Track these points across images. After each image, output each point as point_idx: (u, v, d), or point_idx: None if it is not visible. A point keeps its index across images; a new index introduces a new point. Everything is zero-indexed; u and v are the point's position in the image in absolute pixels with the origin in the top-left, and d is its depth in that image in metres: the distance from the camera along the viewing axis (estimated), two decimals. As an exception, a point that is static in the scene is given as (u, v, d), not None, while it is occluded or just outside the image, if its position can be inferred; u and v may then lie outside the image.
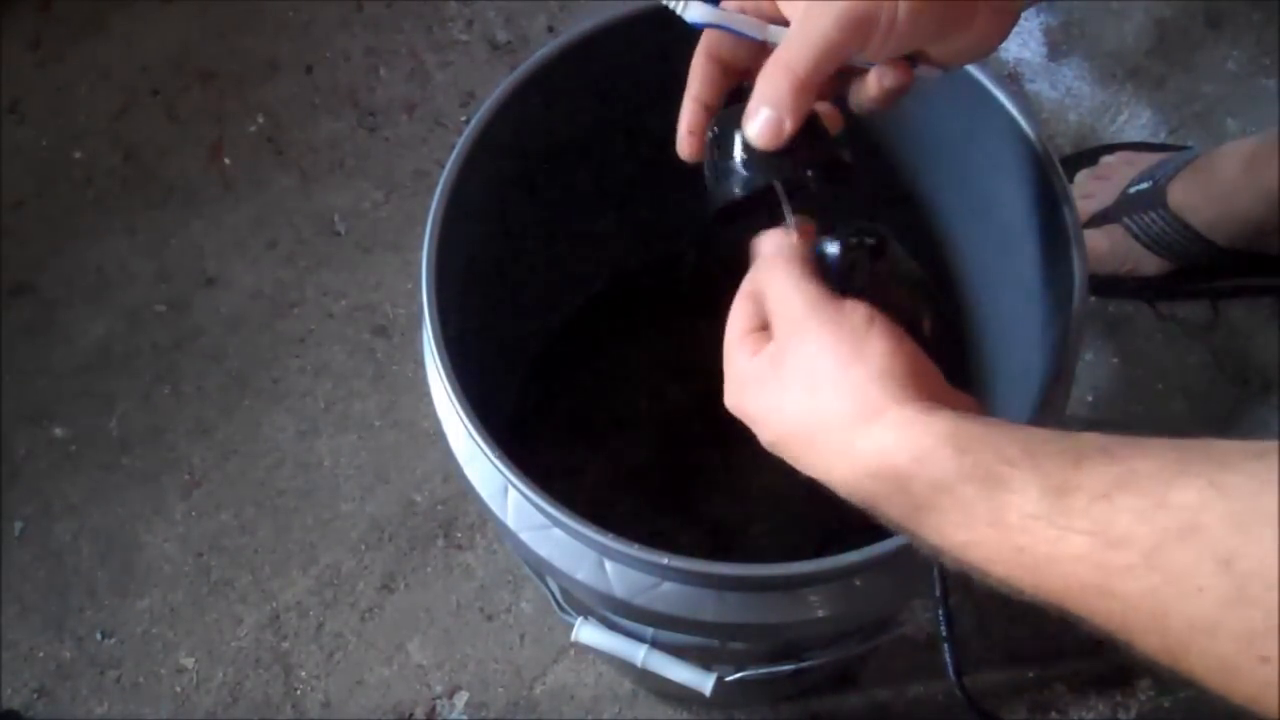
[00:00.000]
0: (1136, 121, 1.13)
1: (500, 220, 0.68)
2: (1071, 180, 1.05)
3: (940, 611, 0.44)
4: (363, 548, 0.99)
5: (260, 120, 1.17)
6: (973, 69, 0.60)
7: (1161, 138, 1.12)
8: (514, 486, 0.52)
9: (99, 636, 0.97)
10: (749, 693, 0.89)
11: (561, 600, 0.67)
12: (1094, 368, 1.02)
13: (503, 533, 0.58)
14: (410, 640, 0.95)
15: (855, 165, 0.48)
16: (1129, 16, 1.18)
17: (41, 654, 0.96)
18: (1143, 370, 1.03)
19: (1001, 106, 0.60)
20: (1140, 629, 0.32)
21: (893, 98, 0.48)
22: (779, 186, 0.46)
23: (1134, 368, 1.03)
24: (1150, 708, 0.90)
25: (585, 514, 0.50)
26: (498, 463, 0.51)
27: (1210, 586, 0.29)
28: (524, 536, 0.56)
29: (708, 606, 0.54)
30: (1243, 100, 1.13)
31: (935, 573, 0.44)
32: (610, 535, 0.50)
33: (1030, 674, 0.92)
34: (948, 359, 0.43)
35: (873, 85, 0.47)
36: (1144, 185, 1.00)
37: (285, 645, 0.96)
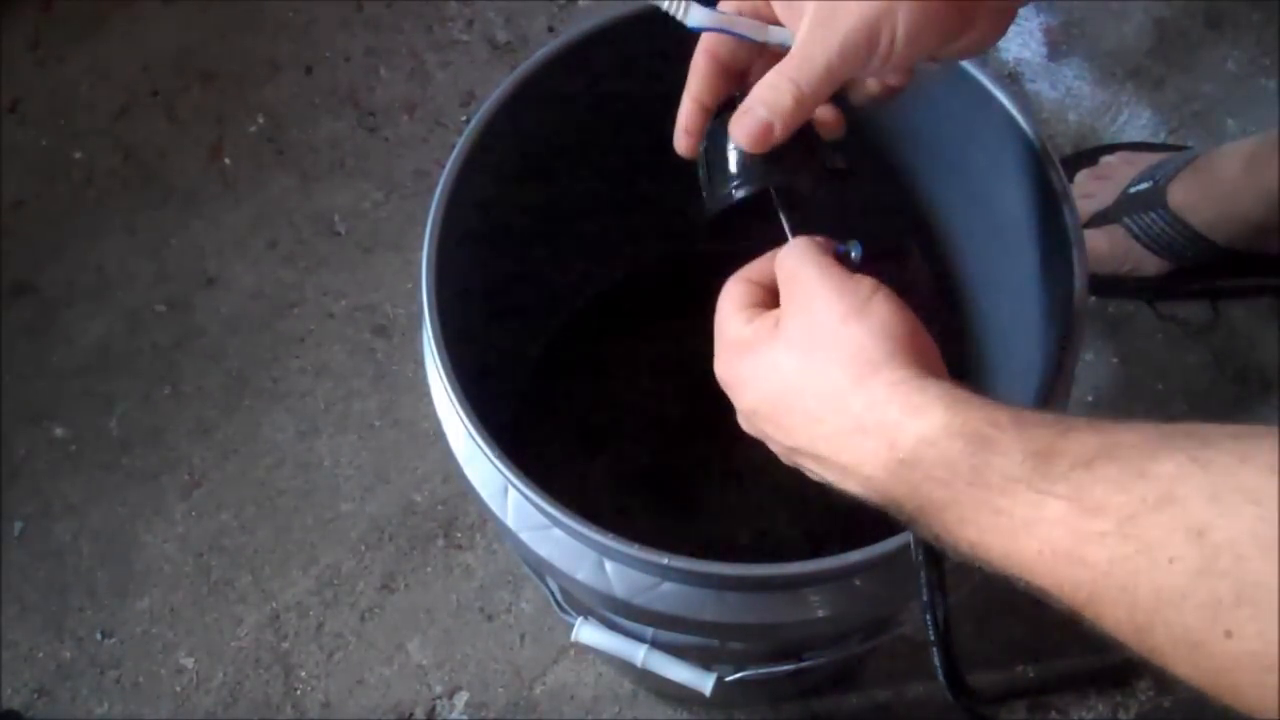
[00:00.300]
0: (1136, 121, 1.13)
1: (500, 220, 0.68)
2: (1071, 180, 1.05)
3: (927, 616, 0.44)
4: (363, 548, 0.99)
5: (260, 120, 1.17)
6: (973, 69, 0.60)
7: (1161, 138, 1.12)
8: (514, 486, 0.52)
9: (99, 636, 0.97)
10: (749, 693, 0.89)
11: (561, 600, 0.67)
12: (1094, 368, 1.02)
13: (503, 533, 0.58)
14: (410, 640, 0.95)
15: (849, 171, 0.49)
16: (1129, 16, 1.18)
17: (41, 654, 0.96)
18: (1143, 370, 1.03)
19: (1001, 106, 0.60)
20: (1109, 600, 0.32)
21: (892, 95, 0.48)
22: (774, 192, 0.47)
23: (1134, 368, 1.03)
24: (1150, 708, 0.90)
25: (585, 514, 0.50)
26: (498, 463, 0.52)
27: (1181, 557, 0.29)
28: (524, 536, 0.56)
29: (708, 606, 0.54)
30: (1243, 100, 1.13)
31: (920, 576, 0.44)
32: (610, 535, 0.50)
33: (1030, 674, 0.92)
34: (948, 359, 0.43)
35: (872, 84, 0.48)
36: (1144, 185, 1.00)
37: (285, 645, 0.96)
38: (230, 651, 0.96)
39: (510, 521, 0.56)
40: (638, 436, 0.88)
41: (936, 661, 0.45)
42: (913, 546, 0.45)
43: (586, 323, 0.89)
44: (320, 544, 0.99)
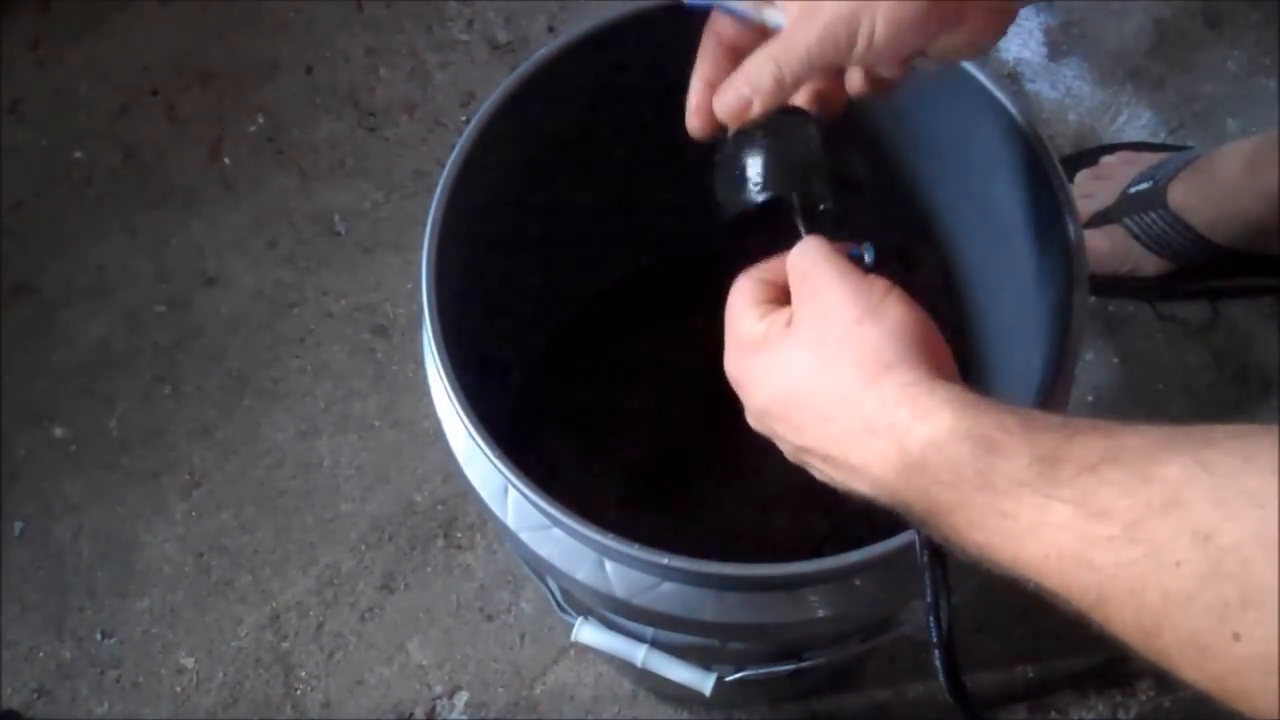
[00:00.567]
0: (1136, 121, 1.13)
1: (500, 220, 0.68)
2: (1071, 180, 1.05)
3: (930, 618, 0.44)
4: (363, 548, 0.99)
5: (260, 120, 1.17)
6: (972, 69, 0.60)
7: (1161, 138, 1.12)
8: (514, 486, 0.52)
9: (99, 636, 0.97)
10: (749, 693, 0.89)
11: (561, 600, 0.67)
12: (1094, 368, 1.02)
13: (503, 533, 0.58)
14: (410, 640, 0.95)
15: (863, 183, 0.49)
16: (1129, 16, 1.18)
17: (41, 654, 0.96)
18: (1143, 370, 1.03)
19: (1001, 106, 0.60)
20: (1116, 603, 0.32)
21: (883, 87, 0.50)
22: (795, 198, 0.47)
23: (1134, 368, 1.03)
24: (1150, 708, 0.90)
25: (585, 514, 0.50)
26: (498, 463, 0.51)
27: (1188, 560, 0.30)
28: (524, 536, 0.56)
29: (708, 606, 0.54)
30: (1243, 100, 1.14)
31: (925, 578, 0.44)
32: (610, 535, 0.50)
33: (1030, 674, 0.92)
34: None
35: (855, 76, 0.50)
36: (1144, 185, 1.00)
37: (285, 645, 0.96)
38: (230, 651, 0.96)
39: (510, 521, 0.56)
40: (638, 436, 0.88)
41: (938, 663, 0.44)
42: (918, 547, 0.45)
43: (586, 323, 0.89)
44: (320, 544, 0.99)
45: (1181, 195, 0.97)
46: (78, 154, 1.16)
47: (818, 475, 0.44)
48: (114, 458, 1.03)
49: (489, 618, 0.96)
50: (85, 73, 1.20)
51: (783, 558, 0.50)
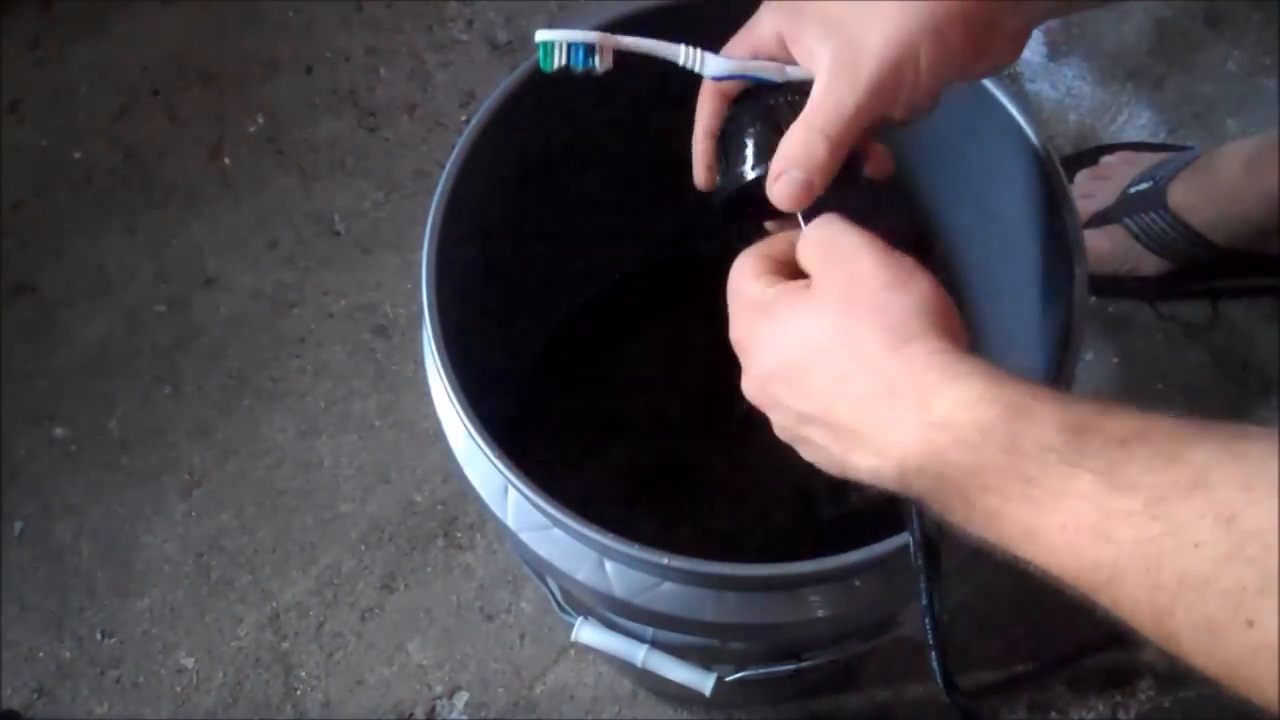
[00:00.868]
0: (1136, 121, 1.13)
1: (500, 220, 0.68)
2: (1071, 180, 1.05)
3: (926, 619, 0.44)
4: (363, 548, 0.99)
5: (260, 120, 1.17)
6: (973, 69, 0.60)
7: (1161, 138, 1.12)
8: (514, 486, 0.52)
9: (99, 636, 0.97)
10: (749, 693, 0.89)
11: (561, 600, 0.67)
12: (1094, 368, 1.02)
13: (503, 533, 0.58)
14: (410, 640, 0.95)
15: (864, 176, 0.49)
16: (1129, 16, 1.18)
17: (41, 654, 0.96)
18: (1143, 370, 1.03)
19: (1001, 106, 0.60)
20: (1130, 581, 0.32)
21: (913, 121, 0.48)
22: None
23: (1134, 368, 1.03)
24: (1150, 708, 0.90)
25: (585, 514, 0.50)
26: (498, 463, 0.51)
27: (1208, 542, 0.29)
28: (524, 536, 0.56)
29: (708, 606, 0.54)
30: (1243, 100, 1.14)
31: (920, 580, 0.44)
32: (610, 535, 0.50)
33: (1030, 674, 0.92)
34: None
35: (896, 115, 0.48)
36: (1144, 185, 1.00)
37: (285, 645, 0.96)
38: (230, 651, 0.96)
39: (510, 521, 0.56)
40: (637, 436, 0.88)
41: (934, 664, 0.45)
42: (913, 550, 0.45)
43: (586, 322, 0.89)
44: (320, 544, 0.99)
45: (1181, 195, 0.97)
46: (78, 154, 1.16)
47: (809, 453, 0.43)
48: (114, 458, 1.03)
49: (489, 618, 0.96)
50: (85, 73, 1.20)
51: (783, 557, 0.50)
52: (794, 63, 0.46)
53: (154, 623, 0.97)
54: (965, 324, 0.42)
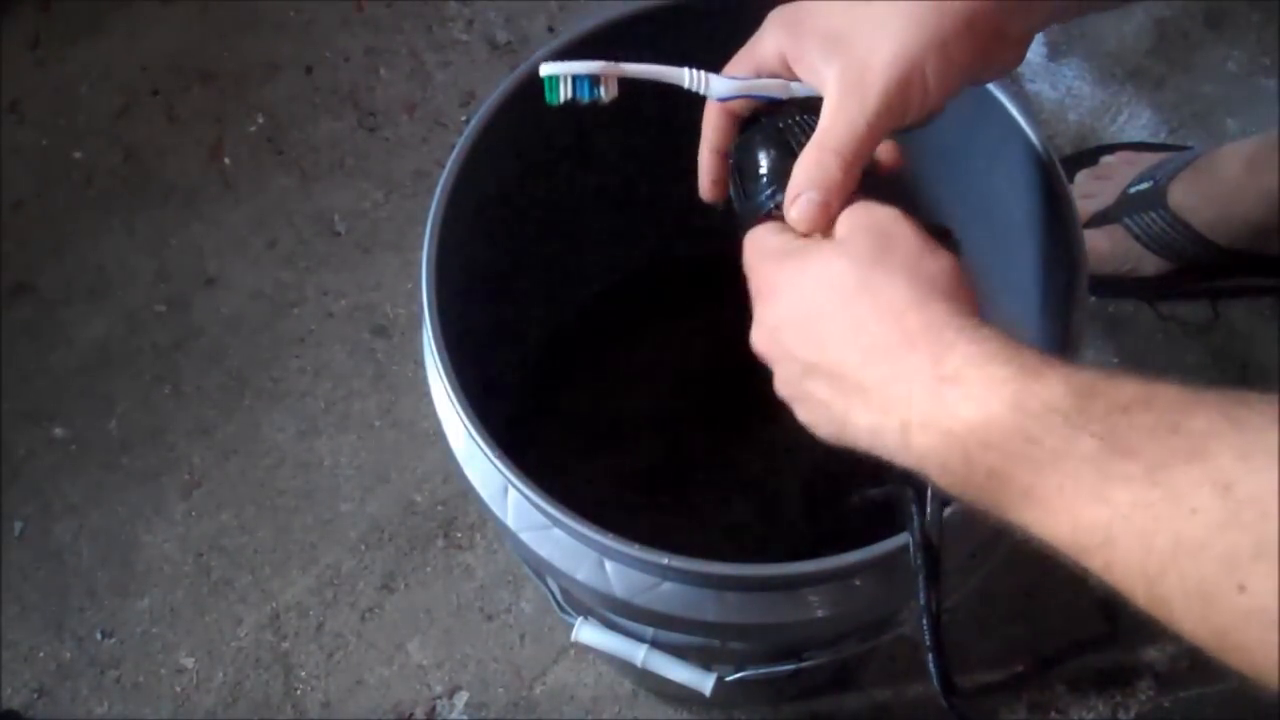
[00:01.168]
0: (1136, 121, 1.13)
1: (500, 220, 0.68)
2: (1071, 180, 1.05)
3: (924, 621, 0.44)
4: (363, 548, 0.99)
5: (260, 120, 1.17)
6: (973, 69, 0.60)
7: (1161, 138, 1.12)
8: (514, 486, 0.52)
9: (99, 636, 0.97)
10: (749, 693, 0.89)
11: (561, 600, 0.67)
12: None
13: (503, 533, 0.58)
14: (410, 640, 0.95)
15: (874, 167, 0.49)
16: (1129, 17, 1.18)
17: (41, 654, 0.96)
18: (1143, 370, 1.02)
19: (1001, 106, 0.60)
20: (1123, 545, 0.32)
21: (920, 127, 0.49)
22: None
23: (1134, 368, 1.03)
24: (1150, 708, 0.90)
25: (585, 514, 0.50)
26: (498, 463, 0.51)
27: (1205, 508, 0.30)
28: (524, 536, 0.56)
29: (708, 606, 0.54)
30: (1243, 100, 1.14)
31: (920, 580, 0.44)
32: (610, 535, 0.50)
33: (1030, 674, 0.92)
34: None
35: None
36: (1144, 185, 1.00)
37: (285, 645, 0.96)
38: (230, 651, 0.96)
39: (510, 521, 0.56)
40: (638, 436, 0.88)
41: (931, 666, 0.45)
42: (912, 550, 0.45)
43: (586, 323, 0.89)
44: (320, 544, 0.99)
45: (1181, 195, 0.97)
46: (78, 154, 1.16)
47: (808, 414, 0.43)
48: (114, 458, 1.03)
49: (489, 618, 0.96)
50: (85, 73, 1.20)
51: (783, 557, 0.50)
52: (798, 79, 0.47)
53: (154, 623, 0.97)
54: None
